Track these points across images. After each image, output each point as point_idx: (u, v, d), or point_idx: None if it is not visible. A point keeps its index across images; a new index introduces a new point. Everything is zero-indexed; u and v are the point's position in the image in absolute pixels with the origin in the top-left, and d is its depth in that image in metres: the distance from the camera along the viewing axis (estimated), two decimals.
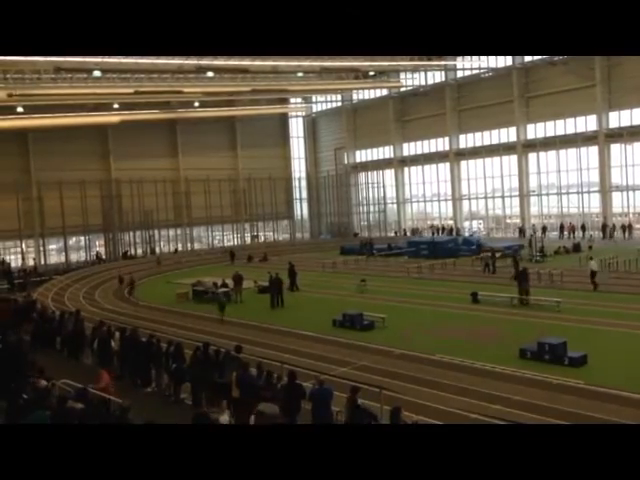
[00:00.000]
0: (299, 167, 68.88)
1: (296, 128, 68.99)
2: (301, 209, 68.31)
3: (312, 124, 69.39)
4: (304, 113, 68.49)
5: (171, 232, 57.62)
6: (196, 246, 58.29)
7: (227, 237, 61.35)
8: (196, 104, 53.42)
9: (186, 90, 46.12)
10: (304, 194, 68.10)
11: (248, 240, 61.18)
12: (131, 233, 53.77)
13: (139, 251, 53.88)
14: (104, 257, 51.04)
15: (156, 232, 55.31)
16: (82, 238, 52.17)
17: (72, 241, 52.26)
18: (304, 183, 67.96)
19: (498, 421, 10.63)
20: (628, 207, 47.25)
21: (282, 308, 25.84)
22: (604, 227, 45.49)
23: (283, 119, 66.63)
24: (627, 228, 44.69)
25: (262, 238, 63.16)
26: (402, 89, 59.05)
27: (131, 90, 42.90)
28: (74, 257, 50.96)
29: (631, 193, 46.67)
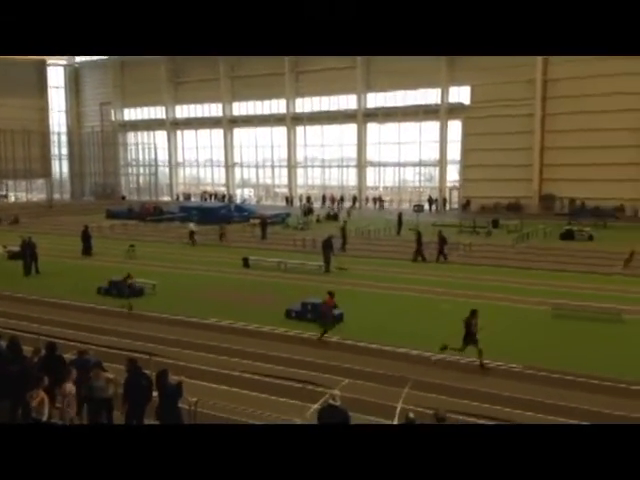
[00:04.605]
0: (59, 121, 62.50)
1: (56, 78, 62.24)
2: (60, 167, 62.32)
3: (75, 75, 63.29)
4: (65, 62, 62.00)
5: None
6: None
7: None
8: None
9: None
10: (64, 151, 62.13)
11: None
12: None
13: None
14: None
15: None
16: None
17: None
18: (64, 139, 61.95)
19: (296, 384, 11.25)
20: (380, 181, 53.17)
21: (38, 275, 23.49)
22: (354, 199, 50.99)
23: (40, 66, 59.44)
24: (378, 200, 50.39)
25: (12, 198, 56.30)
26: None
27: None
28: None
29: (382, 169, 52.50)
